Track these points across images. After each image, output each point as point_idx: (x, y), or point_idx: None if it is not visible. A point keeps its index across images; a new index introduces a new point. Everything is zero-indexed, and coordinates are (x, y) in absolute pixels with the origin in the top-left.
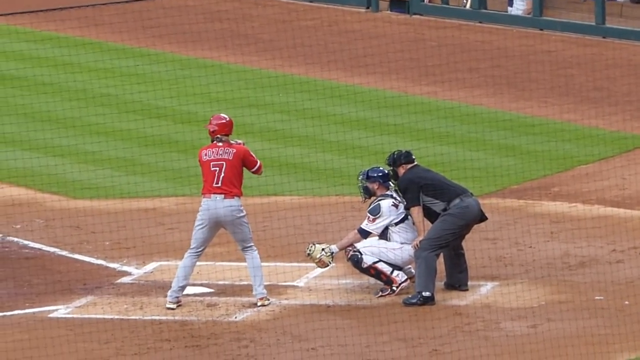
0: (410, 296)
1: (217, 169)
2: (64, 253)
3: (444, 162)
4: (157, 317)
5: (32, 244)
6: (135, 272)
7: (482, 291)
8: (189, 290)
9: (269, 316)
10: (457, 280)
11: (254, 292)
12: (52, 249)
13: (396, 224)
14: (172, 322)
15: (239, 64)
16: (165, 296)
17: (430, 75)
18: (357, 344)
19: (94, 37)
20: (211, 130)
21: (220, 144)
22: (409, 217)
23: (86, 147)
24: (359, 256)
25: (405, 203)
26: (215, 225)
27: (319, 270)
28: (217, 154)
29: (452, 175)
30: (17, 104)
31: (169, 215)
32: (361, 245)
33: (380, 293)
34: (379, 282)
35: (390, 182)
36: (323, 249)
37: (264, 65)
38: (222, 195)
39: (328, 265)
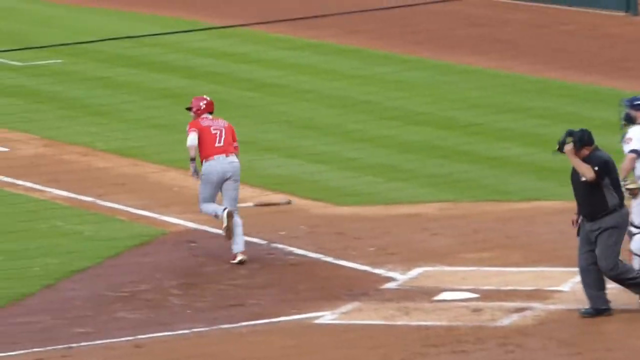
0: None
1: (218, 132)
2: (329, 259)
3: None
4: (423, 323)
5: (296, 250)
6: (400, 277)
7: None
8: (455, 295)
9: (535, 321)
10: None
11: (234, 249)
12: (316, 255)
13: None
14: (438, 327)
15: (497, 69)
16: (431, 302)
17: None
18: (625, 348)
19: (354, 44)
20: (200, 107)
21: (211, 116)
22: None
23: (347, 153)
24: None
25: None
26: (218, 183)
27: None
28: (213, 122)
29: None
30: (279, 111)
31: (433, 221)
32: None
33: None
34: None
35: None
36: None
37: (521, 70)
38: (224, 155)
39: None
